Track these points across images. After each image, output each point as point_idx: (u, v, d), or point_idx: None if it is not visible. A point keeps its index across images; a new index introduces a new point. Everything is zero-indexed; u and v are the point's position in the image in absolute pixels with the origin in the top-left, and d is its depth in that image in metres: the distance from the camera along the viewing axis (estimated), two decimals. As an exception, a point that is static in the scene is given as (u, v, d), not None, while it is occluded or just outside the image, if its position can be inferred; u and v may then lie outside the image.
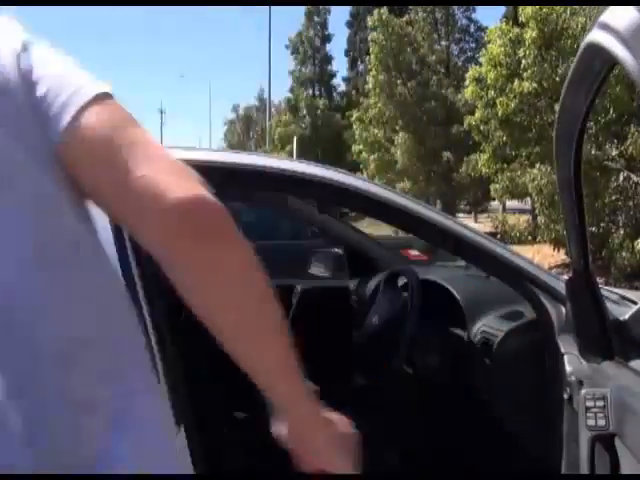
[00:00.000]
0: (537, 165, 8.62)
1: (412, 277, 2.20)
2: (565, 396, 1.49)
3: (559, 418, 1.54)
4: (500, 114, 9.14)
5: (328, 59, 29.14)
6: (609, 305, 1.57)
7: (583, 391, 1.37)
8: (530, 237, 9.71)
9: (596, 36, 0.83)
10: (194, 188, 0.70)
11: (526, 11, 8.67)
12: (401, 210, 1.67)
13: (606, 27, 0.79)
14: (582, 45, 0.93)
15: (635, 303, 1.75)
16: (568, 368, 1.52)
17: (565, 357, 1.55)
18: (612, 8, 0.76)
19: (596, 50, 0.87)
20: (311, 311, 2.82)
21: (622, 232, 8.01)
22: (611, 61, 0.86)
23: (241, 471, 1.82)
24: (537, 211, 9.13)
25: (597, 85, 1.00)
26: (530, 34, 8.61)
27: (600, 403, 1.31)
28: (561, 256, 10.03)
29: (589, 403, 1.33)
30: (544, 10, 8.44)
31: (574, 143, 1.19)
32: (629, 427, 1.21)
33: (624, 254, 7.90)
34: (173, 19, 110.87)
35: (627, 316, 1.54)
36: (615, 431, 1.28)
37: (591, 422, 1.32)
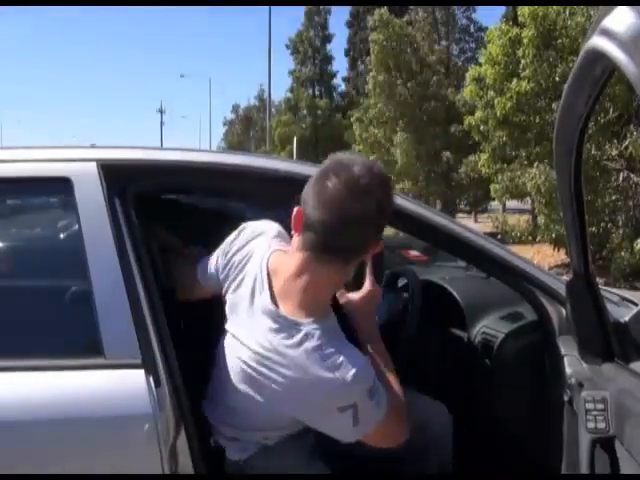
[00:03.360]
0: (535, 164, 8.62)
1: (412, 278, 2.20)
2: (565, 398, 1.49)
3: (559, 420, 1.54)
4: (498, 114, 9.15)
5: (328, 59, 29.13)
6: (609, 306, 1.57)
7: (583, 393, 1.37)
8: (530, 237, 9.71)
9: (597, 41, 0.83)
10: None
11: (523, 11, 8.67)
12: (400, 211, 1.66)
13: (607, 33, 0.79)
14: (583, 50, 0.93)
15: (635, 304, 1.75)
16: (568, 370, 1.52)
17: (565, 359, 1.55)
18: (613, 14, 0.76)
19: (597, 55, 0.87)
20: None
21: (622, 232, 8.01)
22: (611, 66, 0.86)
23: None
24: (537, 211, 9.14)
25: (597, 90, 1.00)
26: (527, 33, 8.61)
27: (600, 405, 1.31)
28: (561, 256, 10.03)
29: (589, 405, 1.33)
30: (540, 10, 8.45)
31: (574, 146, 1.19)
32: (629, 430, 1.21)
33: (623, 254, 7.90)
34: (173, 19, 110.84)
35: (627, 318, 1.54)
36: (615, 433, 1.28)
37: (591, 424, 1.32)
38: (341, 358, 1.32)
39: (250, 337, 1.41)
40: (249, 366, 1.40)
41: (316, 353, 1.32)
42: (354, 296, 1.56)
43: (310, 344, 1.33)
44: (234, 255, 1.53)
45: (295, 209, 1.38)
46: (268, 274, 1.43)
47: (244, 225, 1.58)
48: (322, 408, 1.35)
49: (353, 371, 1.31)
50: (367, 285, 1.57)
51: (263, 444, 1.51)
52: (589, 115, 1.10)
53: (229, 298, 1.51)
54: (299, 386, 1.34)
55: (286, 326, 1.36)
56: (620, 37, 0.74)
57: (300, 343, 1.33)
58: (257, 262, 1.47)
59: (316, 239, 1.34)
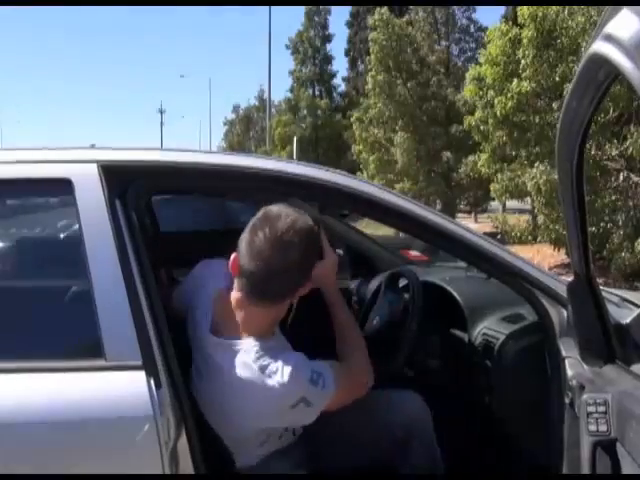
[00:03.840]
0: (535, 164, 8.61)
1: (413, 279, 2.20)
2: (566, 400, 1.49)
3: (560, 422, 1.53)
4: (498, 113, 9.13)
5: (328, 59, 29.10)
6: (610, 308, 1.57)
7: (584, 396, 1.36)
8: (530, 237, 9.70)
9: (600, 47, 0.83)
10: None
11: (523, 11, 8.66)
12: (400, 212, 1.66)
13: (610, 38, 0.78)
14: (586, 55, 0.93)
15: (636, 306, 1.75)
16: (569, 372, 1.51)
17: (566, 361, 1.54)
18: (616, 19, 0.76)
19: (600, 61, 0.87)
20: (311, 312, 2.81)
21: (622, 232, 7.99)
22: (615, 72, 0.86)
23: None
24: (536, 210, 9.13)
25: (600, 94, 1.00)
26: (527, 33, 8.60)
27: (601, 408, 1.31)
28: (561, 256, 10.02)
29: (590, 408, 1.32)
30: (540, 10, 8.43)
31: (576, 149, 1.19)
32: (631, 432, 1.21)
33: (623, 254, 7.89)
34: (173, 19, 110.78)
35: (629, 320, 1.54)
36: (616, 436, 1.28)
37: (592, 427, 1.31)
38: (276, 364, 1.47)
39: (203, 364, 1.57)
40: (209, 393, 1.57)
41: (254, 365, 1.47)
42: (318, 266, 1.65)
43: (248, 358, 1.48)
44: (192, 287, 1.71)
45: (233, 255, 1.56)
46: (216, 308, 1.60)
47: (203, 261, 1.77)
48: (277, 412, 1.50)
49: (289, 370, 1.45)
50: (326, 255, 1.70)
51: (247, 463, 1.64)
52: (591, 119, 1.10)
53: (189, 328, 1.66)
54: (251, 403, 1.49)
55: (227, 348, 1.52)
56: (624, 43, 0.74)
57: (240, 360, 1.49)
58: (208, 297, 1.62)
59: (247, 284, 1.53)
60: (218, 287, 1.63)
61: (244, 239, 1.53)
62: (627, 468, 1.23)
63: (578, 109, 1.08)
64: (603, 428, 1.30)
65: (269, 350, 1.50)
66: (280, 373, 1.45)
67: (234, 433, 1.59)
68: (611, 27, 0.78)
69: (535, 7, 8.49)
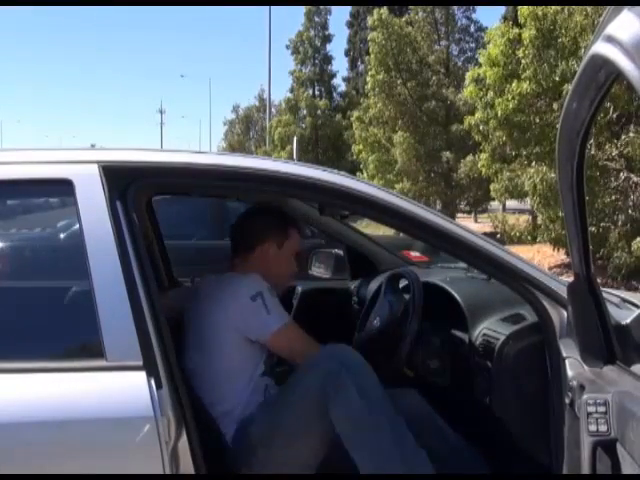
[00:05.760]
0: (533, 164, 8.60)
1: (414, 279, 2.20)
2: (567, 400, 1.49)
3: (560, 422, 1.53)
4: (499, 115, 9.12)
5: (328, 59, 29.05)
6: (610, 308, 1.57)
7: (585, 396, 1.37)
8: (530, 237, 9.69)
9: (601, 48, 0.83)
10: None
11: (522, 11, 8.65)
12: (400, 213, 1.66)
13: (611, 39, 0.79)
14: (587, 56, 0.93)
15: (637, 306, 1.75)
16: (569, 372, 1.51)
17: (566, 361, 1.55)
18: (617, 21, 0.76)
19: (601, 62, 0.87)
20: (311, 312, 2.82)
21: (618, 232, 7.98)
22: (616, 73, 0.86)
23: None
24: (535, 209, 9.12)
25: (601, 95, 1.00)
26: (528, 33, 8.59)
27: (602, 409, 1.31)
28: (561, 256, 10.02)
29: (590, 408, 1.32)
30: (539, 10, 8.42)
31: (577, 150, 1.19)
32: (631, 432, 1.21)
33: (622, 254, 7.88)
34: (174, 19, 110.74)
35: (629, 320, 1.54)
36: (617, 436, 1.28)
37: (593, 427, 1.31)
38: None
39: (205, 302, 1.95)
40: (202, 321, 1.93)
41: (237, 274, 1.97)
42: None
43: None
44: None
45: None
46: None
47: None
48: (244, 303, 1.86)
49: (256, 276, 1.95)
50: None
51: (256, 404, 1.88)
52: (592, 119, 1.10)
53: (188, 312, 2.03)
54: (226, 298, 1.90)
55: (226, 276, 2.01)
56: (625, 44, 0.74)
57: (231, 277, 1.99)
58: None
59: (234, 246, 2.11)
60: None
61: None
62: (627, 468, 1.23)
63: (579, 110, 1.08)
64: (603, 428, 1.30)
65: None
66: (244, 276, 1.94)
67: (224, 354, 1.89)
68: (612, 28, 0.78)
69: (535, 7, 8.47)
